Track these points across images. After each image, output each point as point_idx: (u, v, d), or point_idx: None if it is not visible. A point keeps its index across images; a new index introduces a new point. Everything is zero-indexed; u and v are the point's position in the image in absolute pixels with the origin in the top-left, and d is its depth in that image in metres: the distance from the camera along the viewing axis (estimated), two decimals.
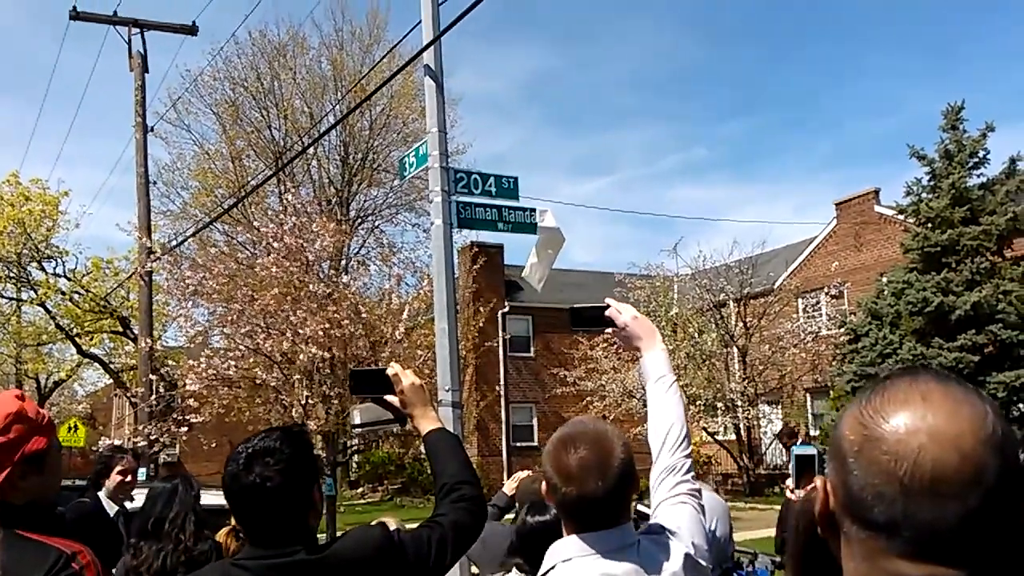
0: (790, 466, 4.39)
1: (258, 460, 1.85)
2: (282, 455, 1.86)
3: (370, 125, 26.77)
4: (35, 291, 23.32)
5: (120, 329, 23.51)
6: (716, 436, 23.59)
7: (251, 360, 13.95)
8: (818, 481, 0.92)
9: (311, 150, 24.75)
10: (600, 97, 64.56)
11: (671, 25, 63.48)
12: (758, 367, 22.75)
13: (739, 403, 22.07)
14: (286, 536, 1.85)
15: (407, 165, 8.86)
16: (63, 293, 23.38)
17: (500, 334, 27.74)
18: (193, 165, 27.15)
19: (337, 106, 25.02)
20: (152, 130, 18.28)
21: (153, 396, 15.96)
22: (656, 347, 2.25)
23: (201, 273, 14.78)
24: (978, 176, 17.67)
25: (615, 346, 18.86)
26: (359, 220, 26.40)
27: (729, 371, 22.64)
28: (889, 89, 65.54)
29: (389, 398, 2.34)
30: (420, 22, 8.43)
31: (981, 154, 17.55)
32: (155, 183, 20.53)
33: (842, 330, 19.39)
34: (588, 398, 22.80)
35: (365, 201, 27.64)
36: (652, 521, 2.00)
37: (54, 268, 23.43)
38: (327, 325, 13.01)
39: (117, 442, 16.61)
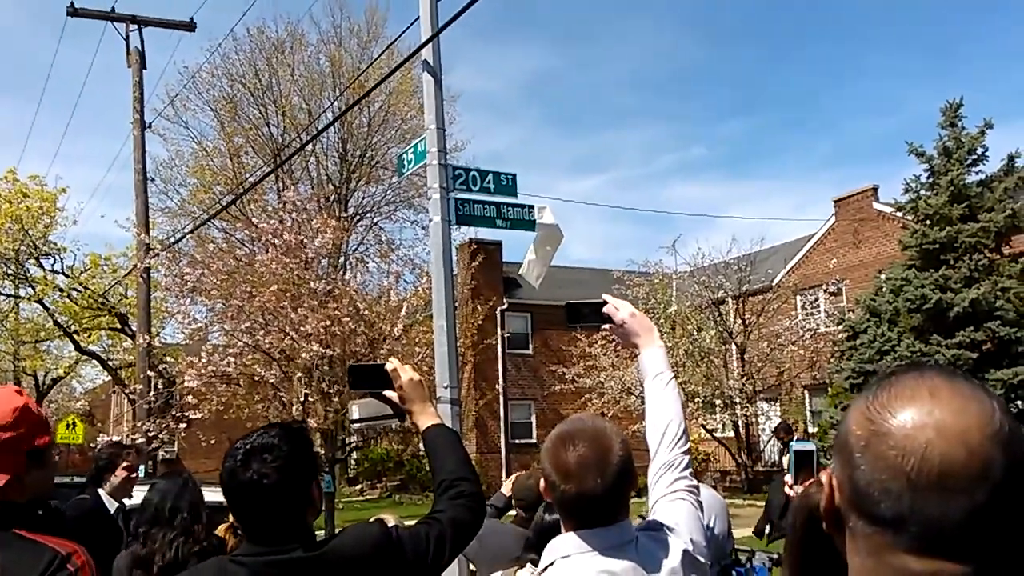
0: (788, 462, 4.38)
1: (256, 457, 1.83)
2: (280, 452, 1.85)
3: (368, 122, 26.77)
4: (33, 288, 23.26)
5: (118, 326, 23.47)
6: (714, 433, 23.64)
7: (250, 357, 13.95)
8: (823, 476, 0.92)
9: (309, 147, 24.76)
10: (600, 97, 64.55)
11: (671, 25, 63.47)
12: (756, 364, 22.79)
13: (737, 400, 22.08)
14: (284, 533, 1.84)
15: (405, 162, 8.84)
16: (61, 290, 23.34)
17: (499, 331, 27.71)
18: (191, 162, 27.19)
19: (335, 103, 25.02)
20: (150, 127, 18.29)
21: (152, 393, 15.94)
22: (654, 344, 2.25)
23: (200, 270, 14.78)
24: (977, 173, 17.67)
25: (613, 343, 18.89)
26: (357, 217, 26.41)
27: (727, 368, 22.65)
28: (889, 89, 65.61)
29: (388, 393, 2.33)
30: (418, 18, 8.41)
31: (980, 151, 17.53)
32: (153, 180, 20.48)
33: (840, 327, 19.38)
34: (587, 395, 22.84)
35: (363, 198, 27.69)
36: (650, 518, 1.99)
37: (52, 265, 23.42)
38: (328, 322, 13.01)
39: (116, 439, 16.62)
